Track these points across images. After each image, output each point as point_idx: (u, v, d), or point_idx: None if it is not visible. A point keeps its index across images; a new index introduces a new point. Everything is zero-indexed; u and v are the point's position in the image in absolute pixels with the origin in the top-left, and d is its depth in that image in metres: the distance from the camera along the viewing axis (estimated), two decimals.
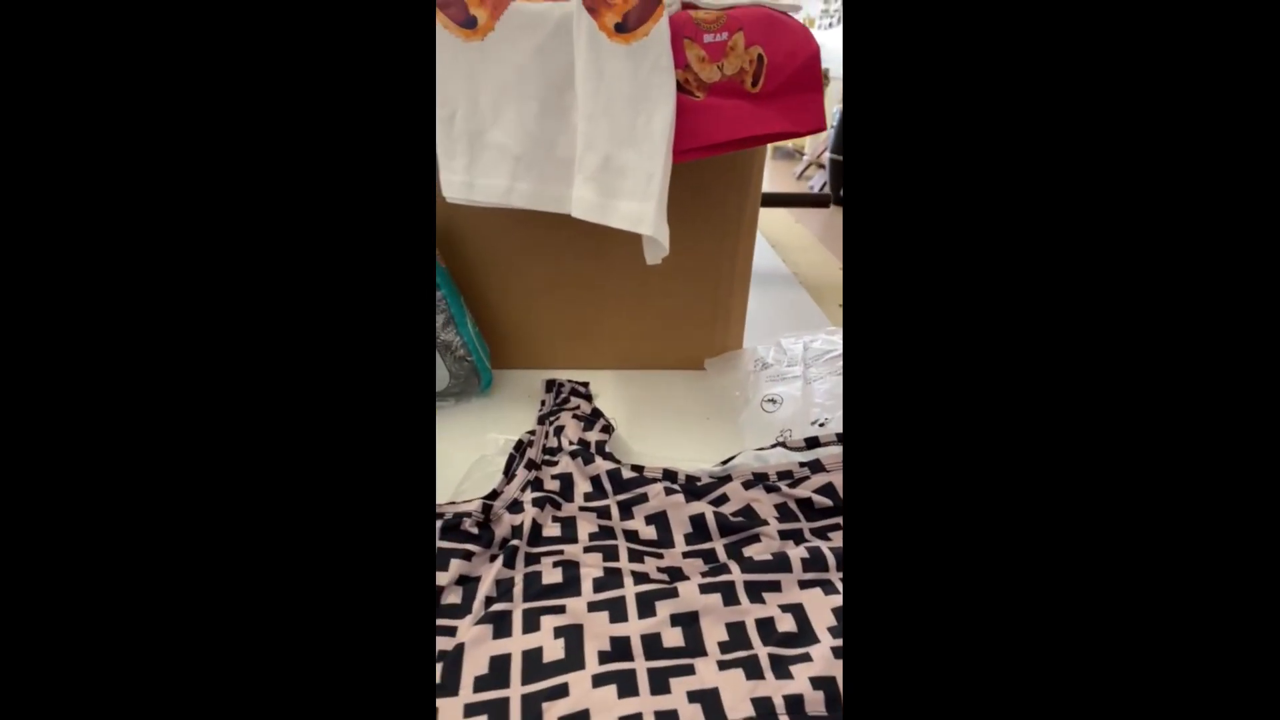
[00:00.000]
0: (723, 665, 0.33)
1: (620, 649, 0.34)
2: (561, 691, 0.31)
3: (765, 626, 0.35)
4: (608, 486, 0.45)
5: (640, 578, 0.38)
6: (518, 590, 0.37)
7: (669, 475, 0.46)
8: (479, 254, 0.59)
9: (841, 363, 0.54)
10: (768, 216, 1.23)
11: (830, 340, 0.58)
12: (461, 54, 0.44)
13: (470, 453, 0.50)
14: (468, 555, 0.38)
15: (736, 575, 0.38)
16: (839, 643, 0.34)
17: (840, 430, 0.46)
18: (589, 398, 0.57)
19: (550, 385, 0.59)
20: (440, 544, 0.39)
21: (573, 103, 0.44)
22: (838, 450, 0.46)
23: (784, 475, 0.45)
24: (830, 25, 4.47)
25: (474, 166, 0.45)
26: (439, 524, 0.40)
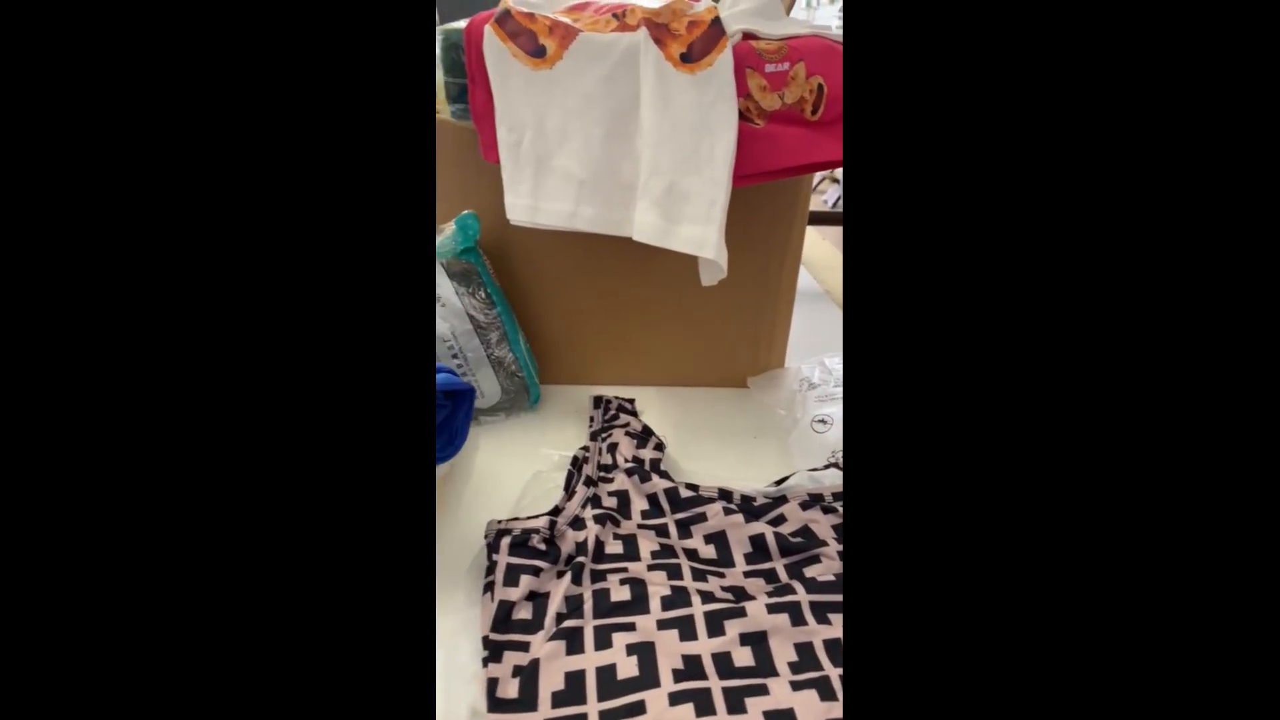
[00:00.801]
0: (795, 686, 0.33)
1: (693, 667, 0.34)
2: (639, 709, 0.32)
3: (833, 647, 0.36)
4: (665, 505, 0.46)
5: (706, 596, 0.38)
6: (588, 607, 0.38)
7: (724, 495, 0.46)
8: (530, 273, 0.60)
9: None
10: None
11: None
12: (530, 82, 0.45)
13: (523, 467, 0.51)
14: (536, 571, 0.39)
15: (802, 595, 0.38)
16: None
17: None
18: (635, 414, 0.58)
19: (598, 402, 0.60)
20: (509, 559, 0.40)
21: (636, 130, 0.45)
22: None
23: (839, 496, 0.46)
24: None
25: (539, 191, 0.47)
26: (507, 540, 0.41)
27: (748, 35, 0.47)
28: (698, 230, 0.44)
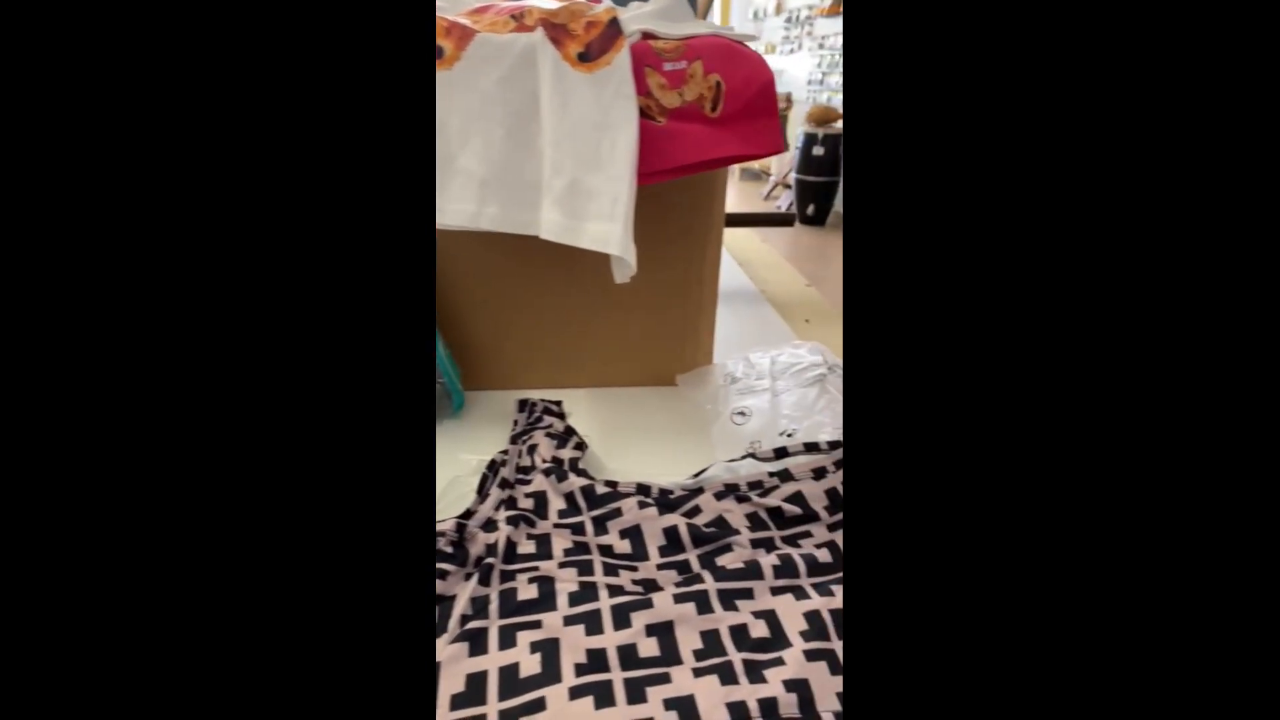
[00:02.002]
0: (698, 672, 0.33)
1: (597, 661, 0.34)
2: (539, 706, 0.32)
3: (739, 633, 0.36)
4: (581, 503, 0.46)
5: (615, 590, 0.38)
6: (493, 607, 0.37)
7: (642, 489, 0.46)
8: (449, 276, 0.60)
9: (807, 375, 0.56)
10: (735, 236, 1.25)
11: (796, 354, 0.60)
12: None
13: (442, 473, 0.50)
14: (443, 575, 0.38)
15: (710, 584, 0.38)
16: (810, 646, 0.35)
17: (807, 440, 0.48)
18: (562, 416, 0.58)
19: (523, 405, 0.59)
20: None
21: (538, 129, 0.45)
22: (806, 459, 0.47)
23: (754, 485, 0.46)
24: (792, 51, 4.61)
25: (444, 192, 0.46)
26: None
27: (647, 35, 0.47)
28: (602, 227, 0.45)
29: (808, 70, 4.33)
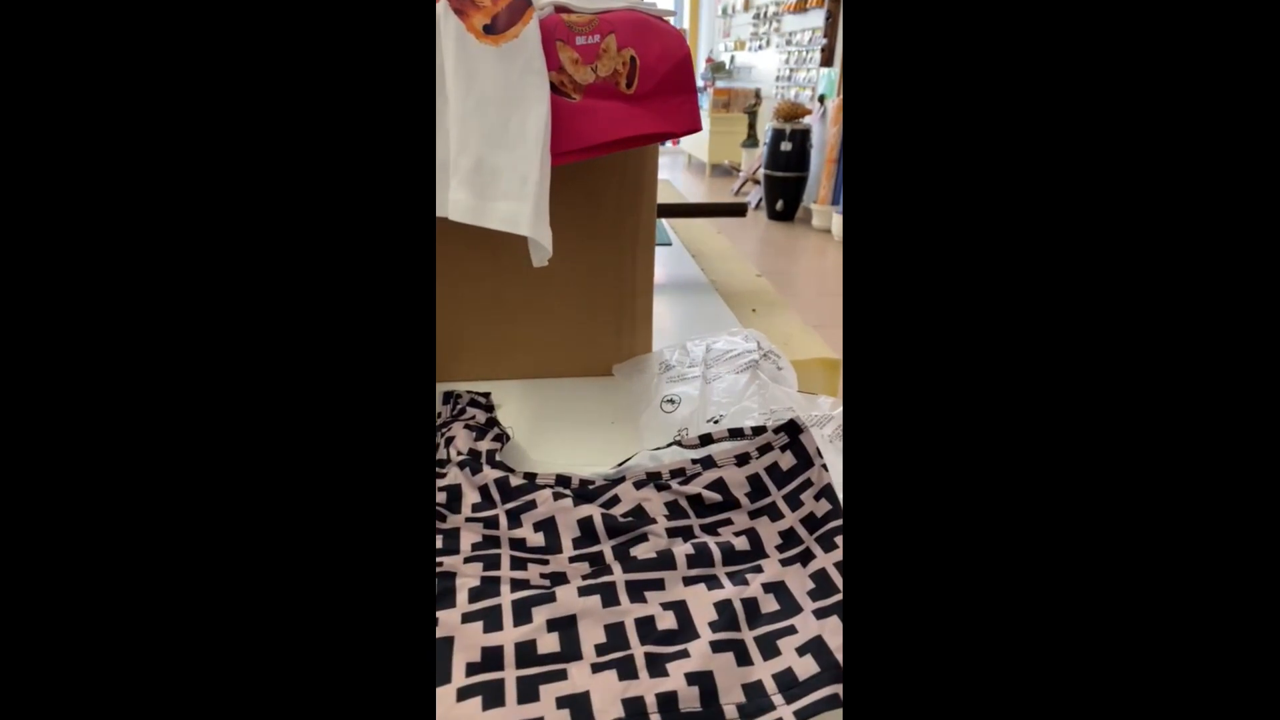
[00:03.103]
0: (596, 668, 0.32)
1: (491, 659, 0.32)
2: None
3: (645, 625, 0.34)
4: (496, 496, 0.44)
5: (519, 585, 0.36)
6: None
7: (562, 481, 0.45)
8: None
9: (740, 361, 0.55)
10: (689, 228, 1.24)
11: (731, 340, 0.59)
12: None
13: None
14: None
15: (618, 575, 0.37)
16: (719, 636, 0.33)
17: (733, 426, 0.46)
18: (489, 408, 0.56)
19: (448, 397, 0.57)
20: None
21: (444, 105, 0.43)
22: (730, 445, 0.46)
23: (676, 473, 0.45)
24: (760, 47, 4.64)
25: None
26: None
27: (560, 8, 0.46)
28: (511, 206, 0.43)
29: (776, 66, 4.35)
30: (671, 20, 0.47)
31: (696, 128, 0.46)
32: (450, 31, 0.42)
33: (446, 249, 0.56)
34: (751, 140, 4.25)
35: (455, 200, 0.44)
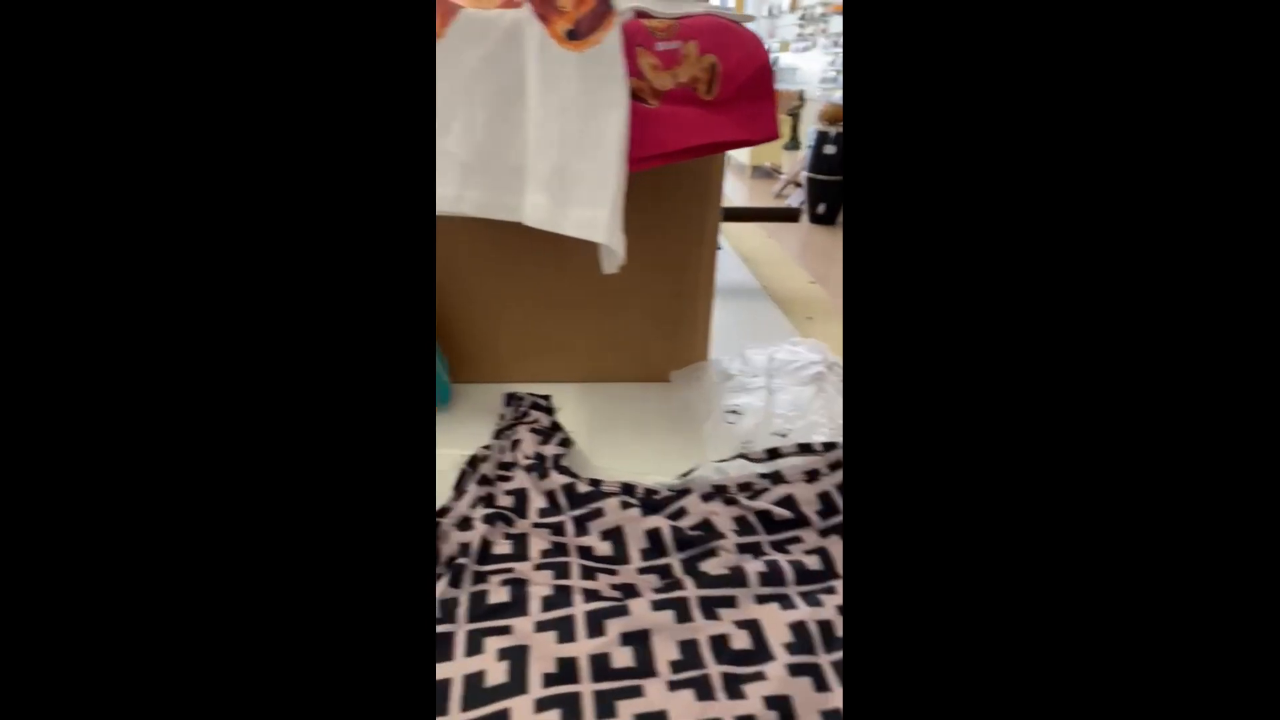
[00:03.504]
0: (673, 685, 0.31)
1: (567, 671, 0.32)
2: (503, 718, 0.30)
3: (718, 644, 0.34)
4: (563, 502, 0.44)
5: (591, 595, 0.36)
6: (462, 610, 0.35)
7: (627, 489, 0.44)
8: (440, 265, 0.58)
9: (804, 373, 0.54)
10: (740, 232, 1.23)
11: (794, 351, 0.58)
12: None
13: None
14: None
15: (690, 591, 0.36)
16: (794, 660, 0.32)
17: (802, 441, 0.45)
18: (550, 411, 0.56)
19: (510, 399, 0.57)
20: None
21: (523, 111, 0.43)
22: (798, 461, 0.45)
23: (744, 487, 0.44)
24: (806, 49, 4.57)
25: None
26: None
27: (640, 13, 0.45)
28: (588, 213, 0.43)
29: (821, 68, 4.29)
30: (751, 27, 0.46)
31: (774, 135, 0.46)
32: (533, 38, 0.42)
33: (505, 250, 0.57)
34: (794, 143, 4.19)
35: (532, 205, 0.44)
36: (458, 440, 0.53)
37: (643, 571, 0.39)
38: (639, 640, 0.34)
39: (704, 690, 0.31)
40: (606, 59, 0.42)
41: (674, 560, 0.40)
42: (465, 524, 0.41)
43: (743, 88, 0.44)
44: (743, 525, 0.42)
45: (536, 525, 0.42)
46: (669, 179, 0.55)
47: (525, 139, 0.43)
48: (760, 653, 0.33)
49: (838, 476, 0.43)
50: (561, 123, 0.42)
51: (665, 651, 0.33)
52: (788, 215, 1.07)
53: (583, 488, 0.44)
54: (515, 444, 0.49)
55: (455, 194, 0.44)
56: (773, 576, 0.37)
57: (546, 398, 0.58)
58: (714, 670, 0.32)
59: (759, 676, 0.32)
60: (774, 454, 0.45)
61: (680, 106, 0.45)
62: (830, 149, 3.38)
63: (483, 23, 0.42)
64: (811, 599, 0.36)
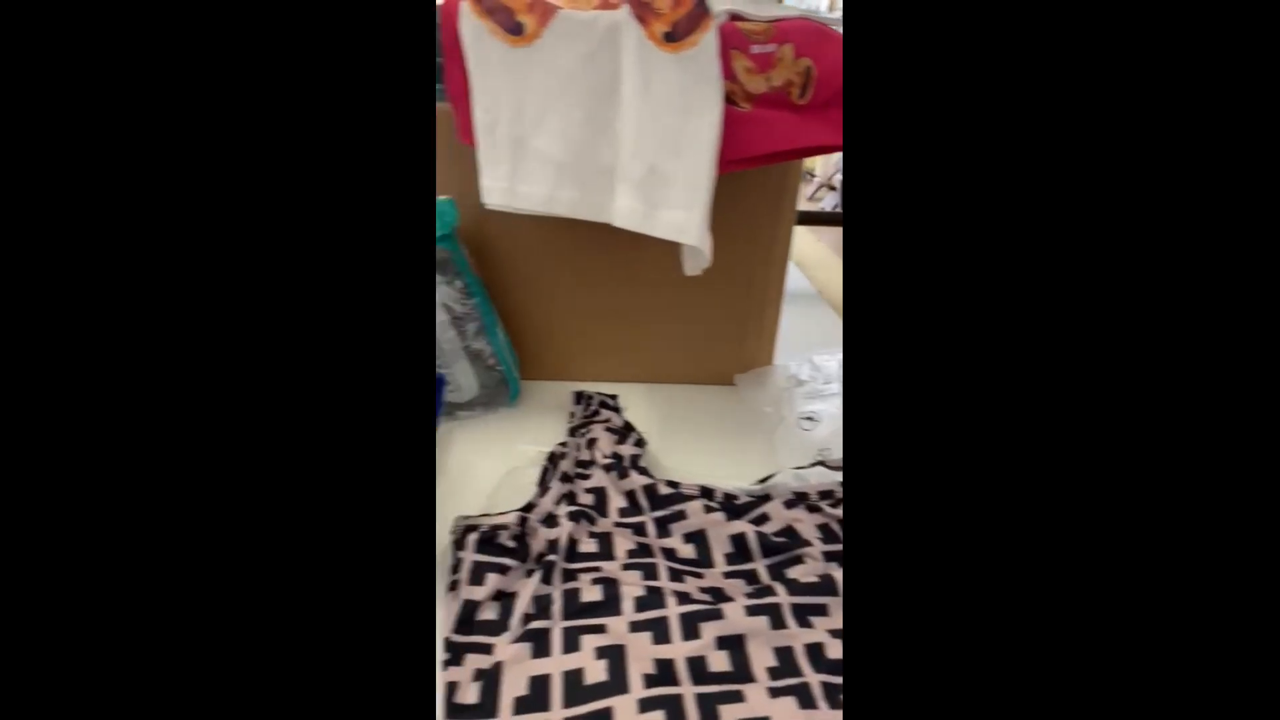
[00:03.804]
0: (774, 692, 0.31)
1: (665, 672, 0.32)
2: (605, 716, 0.30)
3: (815, 653, 0.34)
4: (644, 502, 0.44)
5: (683, 598, 0.36)
6: (557, 607, 0.35)
7: (706, 492, 0.44)
8: (511, 264, 0.58)
9: None
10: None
11: None
12: (507, 61, 0.43)
13: (499, 463, 0.49)
14: (504, 570, 0.37)
15: (783, 598, 0.36)
16: None
17: None
18: (618, 410, 0.56)
19: (579, 397, 0.58)
20: (476, 557, 0.38)
21: (617, 111, 0.44)
22: None
23: (825, 495, 0.44)
24: None
25: (516, 174, 0.45)
26: (474, 536, 0.39)
27: (734, 16, 0.45)
28: (680, 215, 0.43)
29: None
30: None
31: None
32: (631, 38, 0.42)
33: (576, 251, 0.57)
34: None
35: (623, 207, 0.44)
36: (527, 435, 0.54)
37: (729, 576, 0.39)
38: (734, 645, 0.34)
39: (806, 699, 0.31)
40: (703, 61, 0.42)
41: (759, 566, 0.40)
42: (550, 521, 0.41)
43: (838, 92, 0.44)
44: (826, 534, 0.41)
45: (618, 524, 0.42)
46: (744, 183, 0.55)
47: (619, 140, 0.44)
48: None
49: None
50: (657, 124, 0.42)
51: (762, 658, 0.33)
52: (839, 220, 1.05)
53: (663, 489, 0.44)
54: (591, 442, 0.49)
55: (548, 194, 0.44)
56: None
57: (614, 397, 0.58)
58: (813, 679, 0.32)
59: None
60: None
61: (772, 110, 0.44)
62: None
63: (581, 23, 0.43)
64: None
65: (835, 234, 1.25)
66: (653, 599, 0.36)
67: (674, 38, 0.42)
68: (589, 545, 0.40)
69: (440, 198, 0.52)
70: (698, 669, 0.33)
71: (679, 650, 0.33)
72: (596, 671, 0.32)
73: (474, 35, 0.43)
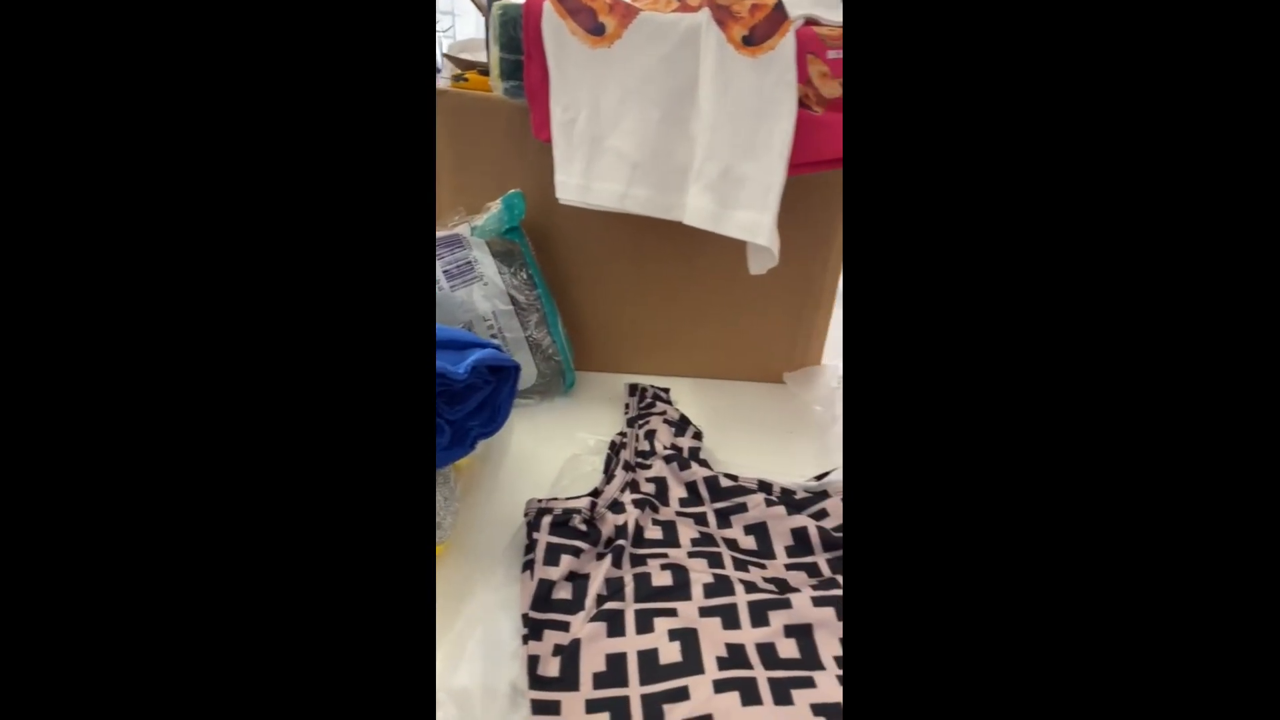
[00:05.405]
0: (843, 680, 0.32)
1: (737, 656, 0.33)
2: (682, 694, 0.31)
3: None
4: (704, 493, 0.45)
5: (749, 586, 0.38)
6: (629, 590, 0.37)
7: (764, 486, 0.46)
8: (571, 258, 0.60)
9: None
10: None
11: None
12: (588, 60, 0.45)
13: (557, 451, 0.51)
14: (577, 552, 0.39)
15: None
16: None
17: None
18: (671, 403, 0.57)
19: (633, 389, 0.59)
20: (550, 539, 0.39)
21: (692, 112, 0.45)
22: None
23: None
24: None
25: (591, 170, 0.46)
26: (549, 519, 0.40)
27: (810, 21, 0.46)
28: (752, 216, 0.44)
29: None
30: None
31: None
32: (711, 41, 0.43)
33: (635, 246, 0.58)
34: None
35: (695, 206, 0.45)
36: (584, 424, 0.55)
37: (790, 568, 0.40)
38: (802, 634, 0.35)
39: None
40: (780, 65, 0.43)
41: (820, 559, 0.41)
42: (617, 507, 0.43)
43: None
44: None
45: (680, 514, 0.43)
46: (804, 185, 0.55)
47: (694, 140, 0.45)
48: None
49: None
50: (733, 126, 0.43)
51: (829, 646, 0.34)
52: None
53: (724, 482, 0.45)
54: (650, 434, 0.50)
55: (622, 191, 0.46)
56: None
57: (666, 390, 0.60)
58: None
59: None
60: None
61: (843, 115, 0.45)
62: None
63: (662, 25, 0.44)
64: None
65: None
66: (721, 586, 0.37)
67: (752, 41, 0.43)
68: (654, 532, 0.42)
69: (511, 191, 0.54)
70: (768, 654, 0.34)
71: (749, 636, 0.35)
72: (671, 652, 0.33)
73: (555, 34, 0.45)
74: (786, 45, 0.43)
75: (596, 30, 0.44)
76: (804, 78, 0.44)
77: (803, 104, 0.45)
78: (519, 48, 0.46)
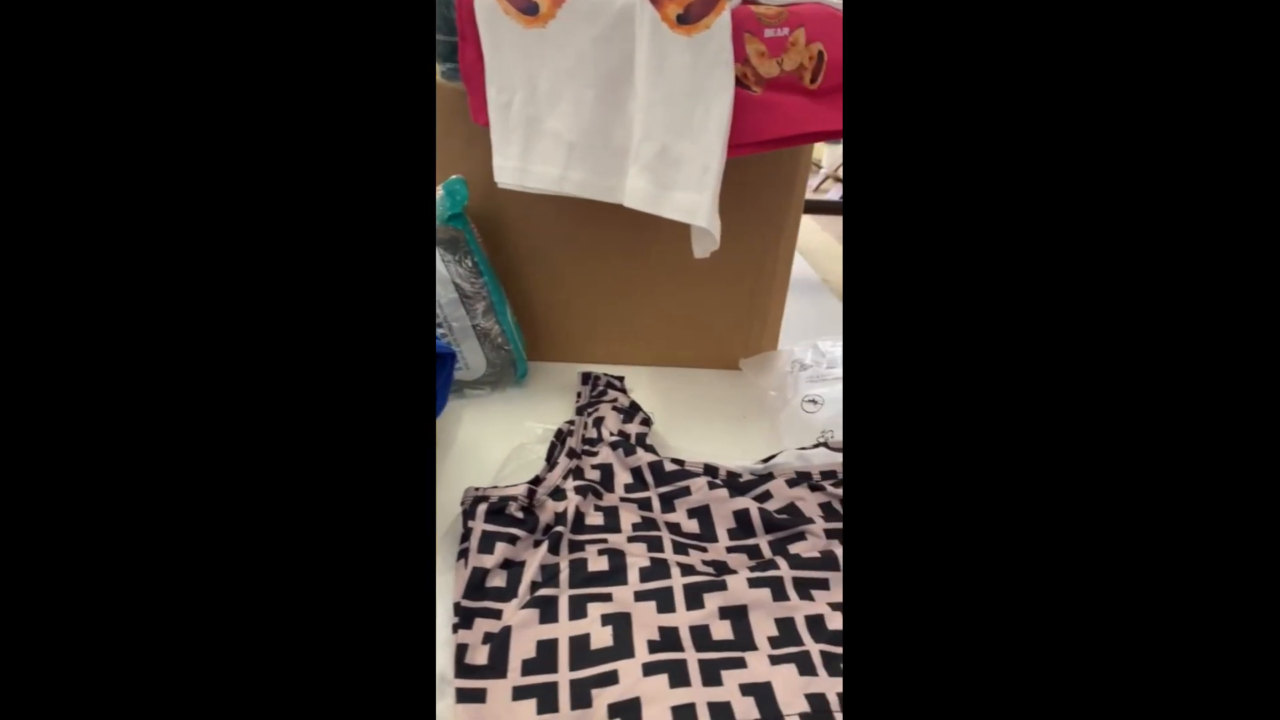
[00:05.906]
0: (774, 660, 0.32)
1: (669, 639, 0.33)
2: (611, 679, 0.31)
3: (815, 624, 0.35)
4: (649, 478, 0.45)
5: (686, 569, 0.37)
6: (564, 576, 0.36)
7: (710, 470, 0.45)
8: (520, 245, 0.59)
9: None
10: None
11: None
12: (521, 40, 0.44)
13: (507, 441, 0.50)
14: (513, 539, 0.38)
15: (785, 571, 0.37)
16: None
17: None
18: (624, 391, 0.57)
19: (586, 378, 0.58)
20: (485, 527, 0.39)
21: (629, 93, 0.44)
22: None
23: (828, 475, 0.45)
24: None
25: (528, 154, 0.45)
26: (484, 507, 0.40)
27: (747, 0, 0.45)
28: (690, 197, 0.43)
29: None
30: None
31: None
32: (645, 20, 0.42)
33: (586, 234, 0.58)
34: None
35: (634, 188, 0.44)
36: (534, 413, 0.55)
37: (731, 550, 0.40)
38: (737, 615, 0.35)
39: (806, 666, 0.32)
40: (715, 44, 0.43)
41: (762, 541, 0.40)
42: (558, 494, 0.42)
43: None
44: (828, 511, 0.42)
45: (624, 499, 0.43)
46: (754, 172, 0.55)
47: (630, 121, 0.44)
48: None
49: None
50: (668, 106, 0.43)
51: (764, 628, 0.34)
52: None
53: (668, 466, 0.45)
54: (599, 421, 0.50)
55: (559, 174, 0.45)
56: None
57: (620, 378, 0.59)
58: (813, 648, 0.33)
59: None
60: None
61: (783, 95, 0.45)
62: None
63: (596, 4, 0.43)
64: None
65: (839, 223, 1.25)
66: (657, 570, 0.37)
67: (687, 20, 0.43)
68: (595, 518, 0.41)
69: (451, 177, 0.53)
70: (701, 636, 0.33)
71: (683, 619, 0.34)
72: (602, 637, 0.33)
73: (489, 14, 0.44)
74: (722, 24, 0.43)
75: (530, 10, 0.43)
76: (741, 57, 0.44)
77: (740, 83, 0.44)
78: (453, 29, 0.45)
